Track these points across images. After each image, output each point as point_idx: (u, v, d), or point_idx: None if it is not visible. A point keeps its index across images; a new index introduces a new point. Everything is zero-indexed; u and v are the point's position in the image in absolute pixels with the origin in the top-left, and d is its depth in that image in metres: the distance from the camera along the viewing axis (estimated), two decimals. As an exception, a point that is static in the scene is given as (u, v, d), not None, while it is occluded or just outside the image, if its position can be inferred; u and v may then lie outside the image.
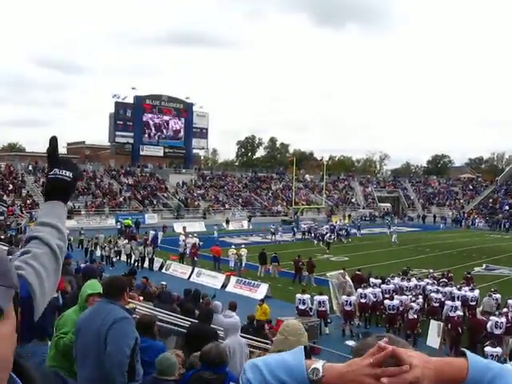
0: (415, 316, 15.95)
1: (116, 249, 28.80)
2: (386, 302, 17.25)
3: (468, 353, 1.21)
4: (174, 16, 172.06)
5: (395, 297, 17.35)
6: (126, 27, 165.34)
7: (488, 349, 12.57)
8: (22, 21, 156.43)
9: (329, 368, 1.18)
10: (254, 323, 13.08)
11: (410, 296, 17.31)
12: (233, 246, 28.46)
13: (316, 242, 38.10)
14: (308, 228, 42.82)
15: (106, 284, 4.42)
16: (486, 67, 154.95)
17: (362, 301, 17.69)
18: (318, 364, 1.19)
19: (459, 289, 18.48)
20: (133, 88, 62.55)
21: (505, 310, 15.65)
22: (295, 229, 42.65)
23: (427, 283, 20.30)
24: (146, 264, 27.22)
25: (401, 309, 16.75)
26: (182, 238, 32.35)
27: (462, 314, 16.26)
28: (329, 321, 17.22)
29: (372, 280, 19.76)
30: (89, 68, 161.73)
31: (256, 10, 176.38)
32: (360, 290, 18.05)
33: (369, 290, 18.23)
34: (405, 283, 19.72)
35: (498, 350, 12.53)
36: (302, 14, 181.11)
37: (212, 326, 8.65)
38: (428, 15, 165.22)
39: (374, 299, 18.00)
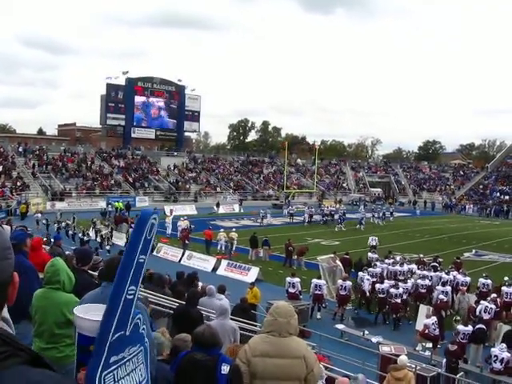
0: (398, 300, 16.10)
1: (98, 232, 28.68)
2: (377, 285, 17.37)
3: None
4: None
5: (385, 281, 17.51)
6: (117, 9, 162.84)
7: (460, 327, 12.91)
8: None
9: None
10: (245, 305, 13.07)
11: (392, 282, 17.27)
12: (222, 230, 28.48)
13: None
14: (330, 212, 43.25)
15: (108, 266, 3.81)
16: (479, 55, 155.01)
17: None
18: None
19: (447, 273, 18.55)
20: (124, 72, 61.35)
21: (494, 295, 15.81)
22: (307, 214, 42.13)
23: (412, 267, 20.50)
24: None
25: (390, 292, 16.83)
26: (167, 220, 32.38)
27: (446, 298, 16.41)
28: (324, 305, 17.14)
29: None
30: (79, 50, 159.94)
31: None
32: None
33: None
34: (398, 267, 19.77)
35: (469, 328, 12.90)
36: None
37: (207, 308, 8.71)
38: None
39: (363, 283, 18.11)
